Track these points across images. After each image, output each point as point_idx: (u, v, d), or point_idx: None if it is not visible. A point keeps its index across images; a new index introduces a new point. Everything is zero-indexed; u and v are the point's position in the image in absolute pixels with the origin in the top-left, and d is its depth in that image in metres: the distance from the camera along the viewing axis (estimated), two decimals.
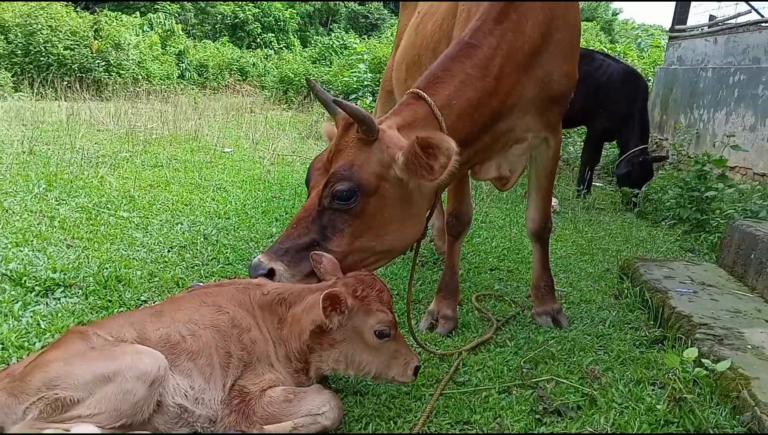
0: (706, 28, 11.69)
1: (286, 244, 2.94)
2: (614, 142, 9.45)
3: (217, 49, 24.63)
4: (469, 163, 3.54)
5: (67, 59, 16.58)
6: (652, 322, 4.14)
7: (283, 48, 28.12)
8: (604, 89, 8.47)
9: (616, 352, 3.71)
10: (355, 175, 2.90)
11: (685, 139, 10.19)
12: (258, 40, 28.21)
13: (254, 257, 2.98)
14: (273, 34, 28.69)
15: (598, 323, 4.17)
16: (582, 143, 11.65)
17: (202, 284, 3.30)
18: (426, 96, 3.17)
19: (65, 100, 13.01)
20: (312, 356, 2.79)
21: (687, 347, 3.34)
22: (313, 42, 28.46)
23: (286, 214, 6.33)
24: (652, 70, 14.85)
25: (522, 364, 3.50)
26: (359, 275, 2.80)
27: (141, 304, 3.78)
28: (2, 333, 3.22)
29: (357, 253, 3.03)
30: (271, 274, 2.89)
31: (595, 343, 3.86)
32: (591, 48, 10.85)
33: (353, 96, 14.68)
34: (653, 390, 3.23)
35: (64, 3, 18.55)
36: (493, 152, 3.58)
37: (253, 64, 24.33)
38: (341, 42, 25.96)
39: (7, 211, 5.20)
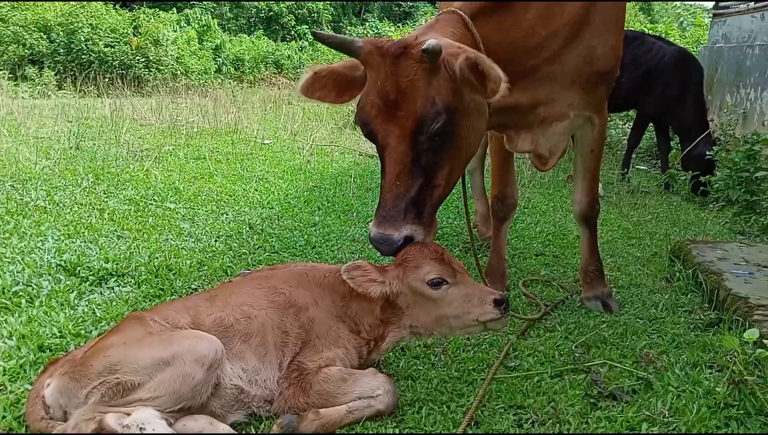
0: (752, 4, 11.29)
1: (401, 203, 2.75)
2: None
3: (253, 42, 24.80)
4: (506, 123, 3.45)
5: (108, 56, 16.93)
6: (706, 305, 4.04)
7: None
8: (654, 72, 8.24)
9: (670, 335, 3.63)
10: (444, 108, 2.70)
11: (732, 118, 9.88)
12: (292, 32, 28.32)
13: (372, 230, 2.77)
14: (307, 26, 28.76)
15: (650, 307, 4.09)
16: (624, 127, 11.45)
17: (249, 271, 3.35)
18: (464, 15, 2.95)
19: (108, 97, 13.26)
20: (389, 328, 2.85)
21: (745, 329, 3.24)
22: (347, 32, 28.45)
23: (327, 202, 6.36)
24: (695, 49, 14.42)
25: (573, 348, 3.46)
26: (409, 246, 2.80)
27: (191, 293, 3.84)
28: (60, 321, 3.31)
29: (453, 176, 2.94)
30: (407, 241, 2.75)
31: (648, 326, 3.78)
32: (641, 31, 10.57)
33: None
34: (711, 373, 3.15)
35: (104, 1, 18.90)
36: (532, 122, 3.49)
37: (288, 57, 24.44)
38: (375, 31, 25.90)
39: (57, 205, 5.33)
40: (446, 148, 2.84)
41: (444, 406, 2.83)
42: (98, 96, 14.35)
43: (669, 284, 4.52)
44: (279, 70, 23.80)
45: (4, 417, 2.50)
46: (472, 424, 2.70)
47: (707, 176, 7.44)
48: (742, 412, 2.78)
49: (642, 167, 9.99)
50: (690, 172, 7.82)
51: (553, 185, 7.90)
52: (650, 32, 14.52)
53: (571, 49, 3.39)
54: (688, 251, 4.67)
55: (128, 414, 2.27)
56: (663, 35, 15.56)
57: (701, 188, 7.53)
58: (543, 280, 4.63)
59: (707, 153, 7.62)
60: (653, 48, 8.41)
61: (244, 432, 2.55)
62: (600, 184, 7.60)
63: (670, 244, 5.23)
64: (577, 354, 3.38)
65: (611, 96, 3.92)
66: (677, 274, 4.58)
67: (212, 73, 20.73)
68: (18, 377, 2.81)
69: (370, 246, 2.99)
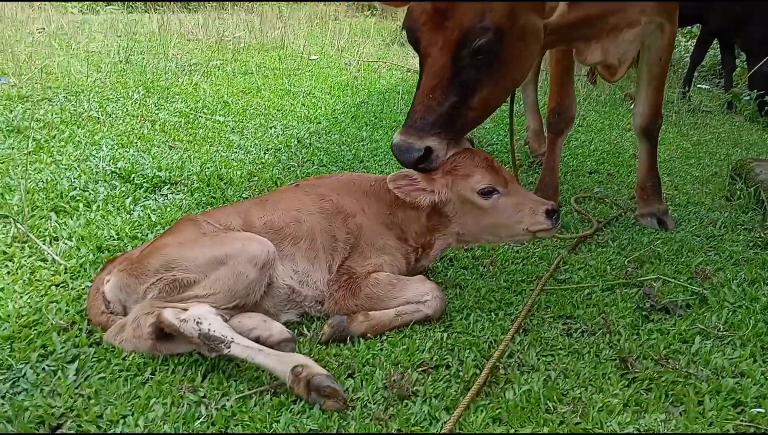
0: None
1: (430, 115, 2.68)
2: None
3: None
4: (574, 36, 3.29)
5: None
6: (767, 224, 3.89)
7: None
8: None
9: (728, 252, 3.52)
10: (493, 23, 2.60)
11: None
12: None
13: (395, 137, 2.73)
14: None
15: (707, 225, 3.96)
16: (687, 44, 10.84)
17: None
18: None
19: (155, 12, 13.18)
20: (435, 236, 2.86)
21: None
22: None
23: (375, 118, 6.28)
24: None
25: (626, 263, 3.39)
26: (456, 151, 2.76)
27: None
28: (117, 225, 3.39)
29: (491, 103, 2.87)
30: (428, 152, 2.70)
31: (704, 244, 3.68)
32: None
33: None
34: None
35: None
36: (601, 31, 3.31)
37: None
38: None
39: (110, 116, 5.40)
40: (489, 69, 2.71)
41: (492, 313, 2.83)
42: (145, 11, 14.28)
43: (729, 202, 4.36)
44: None
45: (67, 311, 2.61)
46: (521, 331, 2.71)
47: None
48: None
49: (704, 86, 9.52)
50: (756, 91, 7.41)
51: (609, 103, 7.62)
52: None
53: None
54: (751, 169, 4.48)
55: (185, 309, 2.34)
56: None
57: (766, 108, 7.15)
58: (596, 197, 4.52)
59: None
60: None
61: (296, 331, 2.61)
62: None
63: (730, 164, 5.02)
64: (629, 269, 3.32)
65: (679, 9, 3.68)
66: (738, 192, 4.41)
67: None
68: (79, 275, 2.91)
69: None
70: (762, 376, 2.39)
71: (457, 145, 2.79)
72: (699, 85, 9.39)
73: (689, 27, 10.14)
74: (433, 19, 2.67)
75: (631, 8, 3.31)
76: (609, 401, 2.23)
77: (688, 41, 11.26)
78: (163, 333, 2.32)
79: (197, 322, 2.26)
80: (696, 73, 8.92)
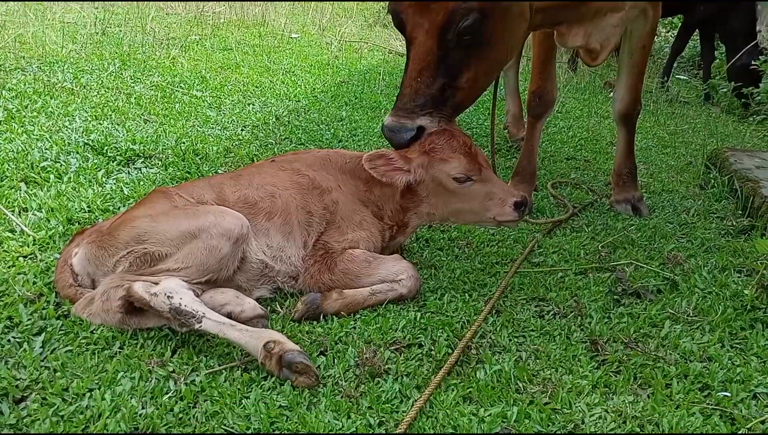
0: None
1: (419, 98, 2.72)
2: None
3: None
4: (557, 18, 3.28)
5: None
6: (740, 212, 3.94)
7: None
8: None
9: (700, 239, 3.57)
10: (477, 4, 2.62)
11: None
12: None
13: (386, 120, 2.78)
14: None
15: (681, 212, 4.01)
16: (668, 35, 10.91)
17: None
18: None
19: None
20: (408, 215, 2.86)
21: None
22: None
23: (355, 98, 6.23)
24: None
25: (600, 248, 3.42)
26: (435, 131, 2.74)
27: None
28: (88, 197, 3.33)
29: (480, 81, 2.88)
30: (420, 132, 2.74)
31: (677, 231, 3.72)
32: None
33: None
34: (739, 277, 3.11)
35: None
36: (585, 15, 3.31)
37: None
38: None
39: (85, 87, 5.28)
40: (475, 50, 2.73)
41: (466, 294, 2.83)
42: None
43: (703, 191, 4.41)
44: None
45: (34, 283, 2.56)
46: (494, 312, 2.72)
47: (750, 88, 7.10)
48: None
49: (682, 77, 9.60)
50: (734, 82, 7.47)
51: (589, 90, 7.65)
52: None
53: None
54: (725, 158, 4.52)
55: (156, 283, 2.30)
56: None
57: (742, 100, 7.23)
58: (572, 182, 4.54)
59: (752, 63, 7.24)
60: None
61: (269, 307, 2.59)
62: None
63: (706, 153, 5.08)
64: (602, 254, 3.34)
65: None
66: (712, 181, 4.46)
67: None
68: (48, 247, 2.85)
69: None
70: (729, 361, 2.43)
71: (448, 125, 2.80)
72: (678, 76, 9.47)
73: (670, 18, 10.19)
74: (417, 3, 2.69)
75: None
76: (578, 382, 2.25)
77: (668, 32, 11.32)
78: (133, 307, 2.29)
79: (168, 296, 2.24)
80: (675, 64, 8.99)
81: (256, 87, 6.24)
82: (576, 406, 2.13)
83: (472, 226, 3.35)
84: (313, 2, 13.16)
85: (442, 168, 2.71)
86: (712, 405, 2.18)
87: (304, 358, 2.11)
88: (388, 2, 2.86)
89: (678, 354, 2.47)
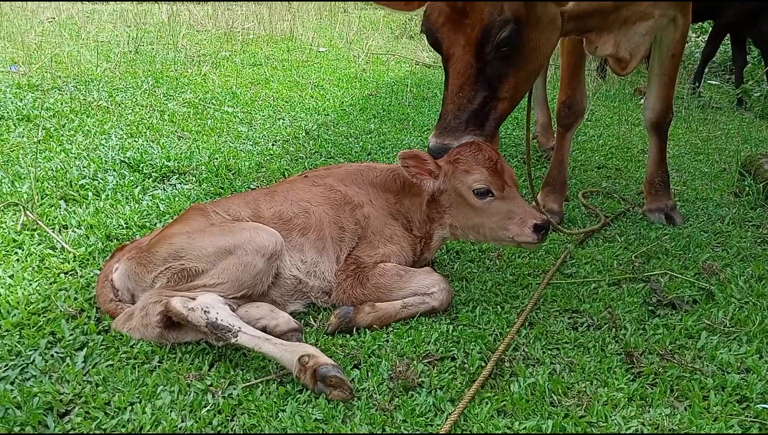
0: None
1: (462, 114, 2.76)
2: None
3: None
4: (587, 25, 3.29)
5: None
6: None
7: None
8: None
9: (735, 248, 3.51)
10: (512, 16, 2.65)
11: None
12: None
13: (430, 140, 2.83)
14: None
15: (715, 220, 3.95)
16: (698, 40, 10.75)
17: None
18: None
19: (164, 2, 13.19)
20: (433, 226, 2.87)
21: None
22: None
23: (383, 111, 6.27)
24: None
25: (633, 258, 3.39)
26: (465, 143, 2.75)
27: None
28: (125, 214, 3.41)
29: (520, 89, 2.91)
30: None
31: (712, 239, 3.67)
32: None
33: None
34: None
35: None
36: (614, 23, 3.31)
37: None
38: None
39: (119, 105, 5.42)
40: (513, 60, 2.76)
41: (498, 306, 2.83)
42: (155, 1, 14.28)
43: (737, 199, 4.35)
44: None
45: (76, 299, 2.63)
46: (526, 324, 2.71)
47: None
48: None
49: (714, 82, 9.47)
50: None
51: (618, 98, 7.59)
52: None
53: None
54: (760, 165, 4.45)
55: (193, 298, 2.35)
56: None
57: None
58: (604, 192, 4.51)
59: None
60: None
61: (302, 321, 2.62)
62: None
63: (740, 160, 5.00)
64: (636, 264, 3.31)
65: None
66: (746, 188, 4.40)
67: None
68: (88, 263, 2.93)
69: None
70: (767, 373, 2.39)
71: (494, 139, 2.84)
72: (709, 81, 9.34)
73: (700, 23, 10.06)
74: (451, 19, 2.72)
75: (645, 0, 3.31)
76: (614, 395, 2.23)
77: (698, 36, 11.18)
78: (171, 321, 2.34)
79: (205, 311, 2.28)
80: (706, 69, 8.87)
81: (286, 101, 6.33)
82: (612, 420, 2.12)
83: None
84: (339, 15, 13.28)
85: (464, 179, 2.72)
86: (750, 417, 2.15)
87: (338, 372, 2.14)
88: (421, 23, 2.89)
89: (715, 365, 2.44)
